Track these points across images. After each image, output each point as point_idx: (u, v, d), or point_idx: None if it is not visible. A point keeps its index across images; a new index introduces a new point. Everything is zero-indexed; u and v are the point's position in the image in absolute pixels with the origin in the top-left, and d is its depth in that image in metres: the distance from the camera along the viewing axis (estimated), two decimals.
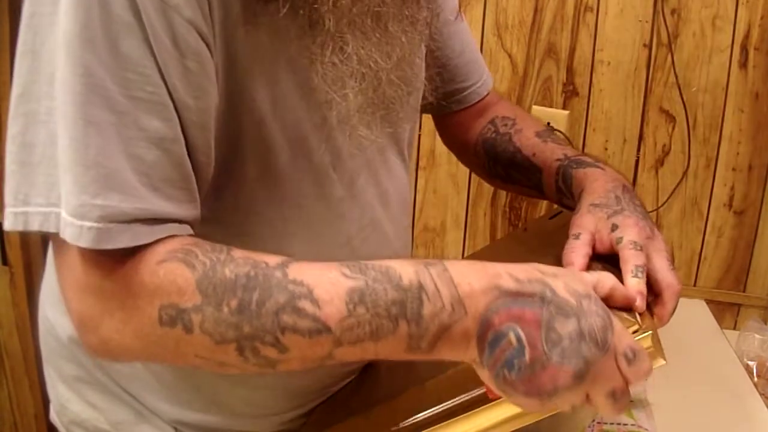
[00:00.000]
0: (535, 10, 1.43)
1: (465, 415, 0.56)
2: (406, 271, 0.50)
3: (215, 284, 0.49)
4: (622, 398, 0.50)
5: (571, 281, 0.50)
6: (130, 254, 0.49)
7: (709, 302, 1.48)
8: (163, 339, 0.50)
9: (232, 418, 0.70)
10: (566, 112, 1.45)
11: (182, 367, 0.65)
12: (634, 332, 0.53)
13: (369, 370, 0.75)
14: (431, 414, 0.57)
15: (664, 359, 0.52)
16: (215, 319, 0.48)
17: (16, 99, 0.51)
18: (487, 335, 0.49)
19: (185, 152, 0.52)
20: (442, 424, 0.57)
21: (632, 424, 0.93)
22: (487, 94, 0.89)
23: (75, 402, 0.72)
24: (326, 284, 0.49)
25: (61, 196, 0.49)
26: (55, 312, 0.72)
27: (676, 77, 1.42)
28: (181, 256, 0.49)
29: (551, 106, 1.48)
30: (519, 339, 0.47)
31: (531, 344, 0.47)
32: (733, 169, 1.46)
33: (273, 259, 0.51)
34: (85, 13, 0.47)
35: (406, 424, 0.58)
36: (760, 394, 1.07)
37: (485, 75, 0.89)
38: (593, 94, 1.47)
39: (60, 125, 0.48)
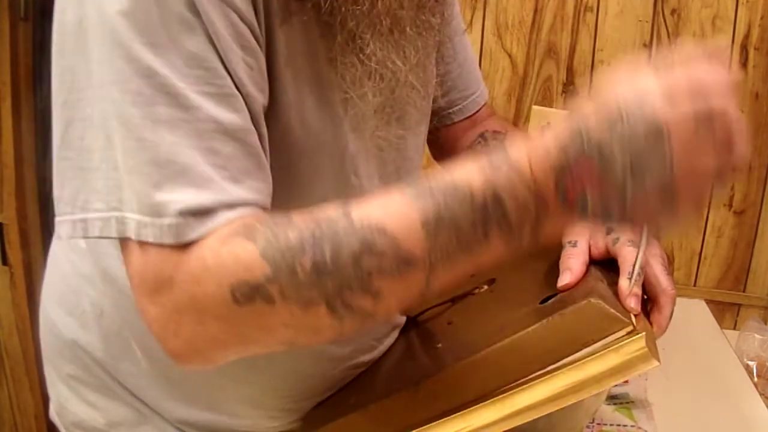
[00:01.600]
0: (535, 10, 1.43)
1: (461, 413, 0.56)
2: (474, 185, 0.47)
3: (282, 251, 0.47)
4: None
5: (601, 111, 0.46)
6: (195, 242, 0.48)
7: (709, 302, 1.48)
8: (245, 318, 0.47)
9: (238, 418, 0.70)
10: (566, 112, 1.45)
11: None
12: (629, 333, 0.52)
13: (369, 369, 0.75)
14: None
15: (658, 361, 0.52)
16: (293, 284, 0.46)
17: (66, 104, 0.50)
18: (573, 205, 0.46)
19: (258, 142, 0.52)
20: (438, 421, 0.57)
21: (632, 426, 0.93)
22: (483, 106, 0.89)
23: (74, 402, 0.73)
24: (396, 217, 0.47)
25: (123, 200, 0.48)
26: (59, 311, 0.72)
27: None
28: (241, 231, 0.48)
29: (551, 106, 1.48)
30: (591, 201, 0.45)
31: (603, 199, 0.45)
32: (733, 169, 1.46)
33: (332, 210, 0.48)
34: (144, 15, 0.47)
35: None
36: (760, 394, 1.07)
37: (482, 86, 0.89)
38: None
39: (121, 129, 0.48)
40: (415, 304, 0.49)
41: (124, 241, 0.49)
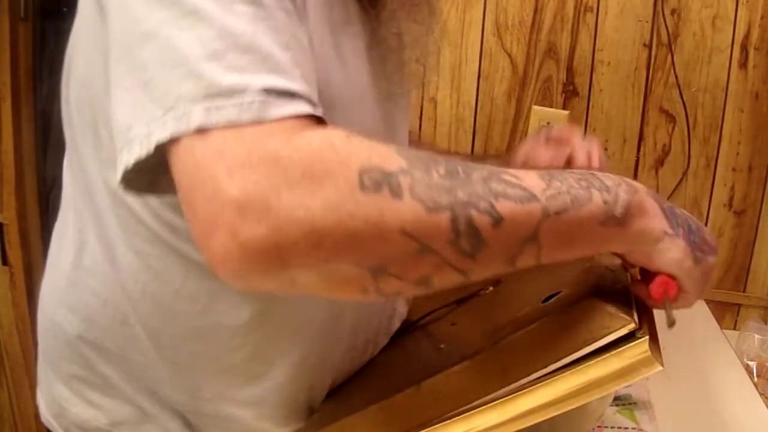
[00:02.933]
0: (535, 10, 1.43)
1: (463, 416, 0.56)
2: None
3: (417, 155, 0.45)
4: None
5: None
6: (305, 127, 0.45)
7: (709, 302, 1.48)
8: (364, 208, 0.42)
9: (245, 410, 0.70)
10: (566, 112, 1.45)
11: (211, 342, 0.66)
12: (631, 332, 0.52)
13: (370, 370, 0.75)
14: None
15: (662, 365, 0.52)
16: (426, 183, 0.43)
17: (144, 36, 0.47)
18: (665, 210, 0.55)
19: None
20: (441, 424, 0.57)
21: (633, 428, 0.93)
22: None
23: (75, 402, 0.72)
24: (514, 170, 0.49)
25: (179, 95, 0.44)
26: (60, 310, 0.72)
27: (676, 77, 1.42)
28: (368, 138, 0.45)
29: (551, 106, 1.48)
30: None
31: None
32: (733, 169, 1.46)
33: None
34: None
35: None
36: (760, 394, 1.07)
37: None
38: (593, 94, 1.47)
39: (197, 26, 0.45)
40: (521, 258, 0.48)
41: (177, 142, 0.44)
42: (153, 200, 0.61)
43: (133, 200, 0.62)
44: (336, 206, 0.42)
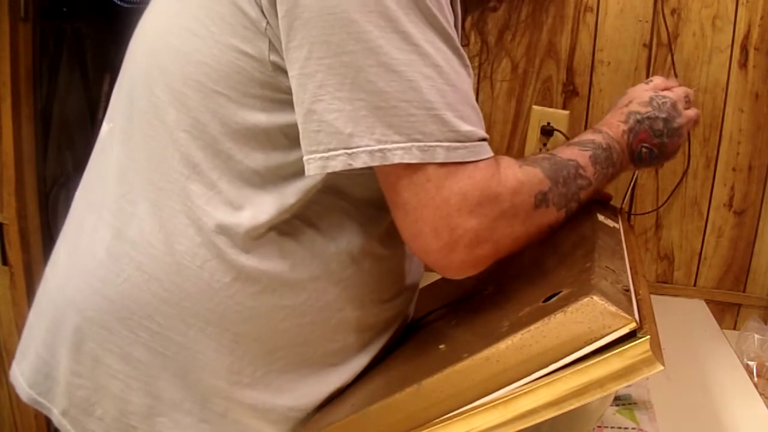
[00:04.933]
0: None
1: (463, 416, 0.56)
2: (597, 140, 0.76)
3: (552, 170, 0.68)
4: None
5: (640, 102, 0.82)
6: (493, 162, 0.63)
7: (709, 302, 1.48)
8: (535, 219, 0.66)
9: (278, 396, 0.70)
10: (566, 112, 1.45)
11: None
12: (632, 332, 0.52)
13: (371, 370, 0.75)
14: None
15: (663, 364, 0.52)
16: (557, 194, 0.68)
17: (353, 54, 0.58)
18: (632, 155, 0.81)
19: None
20: (440, 424, 0.57)
21: (633, 428, 0.93)
22: None
23: (82, 386, 0.71)
24: (578, 154, 0.73)
25: (425, 132, 0.59)
26: (89, 286, 0.70)
27: (676, 77, 1.42)
28: (516, 161, 0.66)
29: (551, 106, 1.48)
30: (644, 151, 0.81)
31: (651, 148, 0.81)
32: (733, 169, 1.46)
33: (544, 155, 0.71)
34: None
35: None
36: (760, 394, 1.07)
37: None
38: (593, 94, 1.48)
39: (435, 78, 0.59)
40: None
41: (415, 168, 0.60)
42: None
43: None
44: (525, 221, 0.65)
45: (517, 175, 0.64)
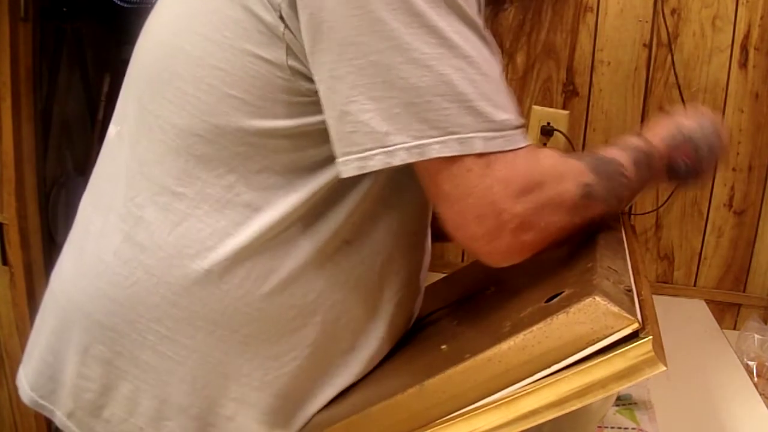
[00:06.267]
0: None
1: (465, 417, 0.56)
2: (640, 146, 0.74)
3: (594, 164, 0.67)
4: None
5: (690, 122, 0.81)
6: (532, 153, 0.63)
7: (709, 302, 1.49)
8: (581, 209, 0.66)
9: (287, 399, 0.70)
10: (566, 112, 1.45)
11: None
12: (634, 332, 0.52)
13: (372, 370, 0.75)
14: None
15: (665, 365, 0.52)
16: (601, 187, 0.67)
17: (381, 53, 0.58)
18: (671, 169, 0.79)
19: None
20: (442, 425, 0.57)
21: (633, 428, 0.93)
22: None
23: (89, 388, 0.70)
24: (619, 155, 0.71)
25: (462, 124, 0.59)
26: (96, 289, 0.70)
27: (676, 77, 1.42)
28: (560, 154, 0.67)
29: (551, 106, 1.48)
30: (683, 166, 0.80)
31: (690, 165, 0.79)
32: (733, 169, 1.46)
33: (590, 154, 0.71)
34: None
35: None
36: (760, 394, 1.08)
37: None
38: (593, 94, 1.48)
39: (466, 68, 0.59)
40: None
41: (454, 160, 0.59)
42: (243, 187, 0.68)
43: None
44: (568, 213, 0.65)
45: (559, 165, 0.65)
